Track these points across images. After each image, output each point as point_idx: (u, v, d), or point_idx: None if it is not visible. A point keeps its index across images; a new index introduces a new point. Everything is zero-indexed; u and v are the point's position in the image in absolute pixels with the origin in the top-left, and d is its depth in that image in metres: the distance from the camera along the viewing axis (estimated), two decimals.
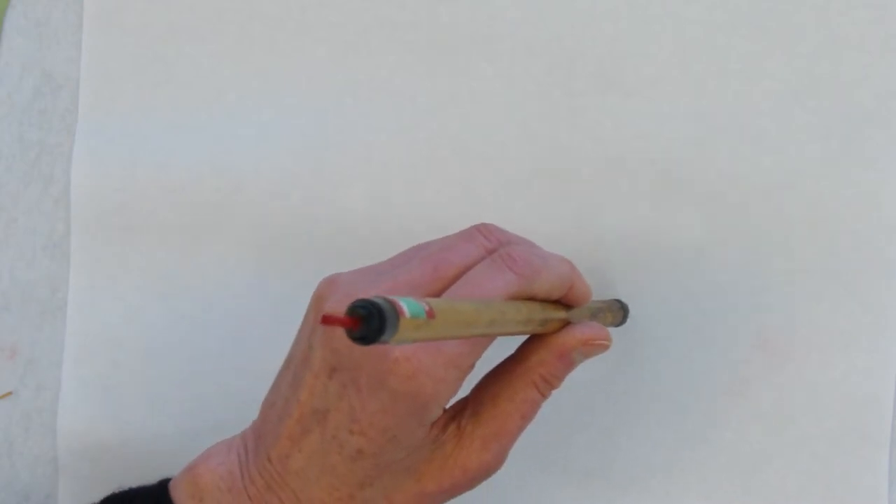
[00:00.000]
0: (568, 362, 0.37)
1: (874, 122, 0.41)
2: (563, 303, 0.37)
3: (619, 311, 0.43)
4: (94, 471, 0.49)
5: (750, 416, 0.42)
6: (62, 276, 0.50)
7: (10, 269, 0.50)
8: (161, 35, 0.49)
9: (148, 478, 0.40)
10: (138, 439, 0.48)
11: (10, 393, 0.50)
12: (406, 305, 0.25)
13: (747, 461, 0.42)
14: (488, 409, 0.36)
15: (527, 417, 0.36)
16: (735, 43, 0.43)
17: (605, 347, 0.37)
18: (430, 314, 0.26)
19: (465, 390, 0.37)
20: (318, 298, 0.36)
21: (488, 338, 0.35)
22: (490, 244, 0.36)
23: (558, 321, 0.37)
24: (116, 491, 0.40)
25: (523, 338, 0.37)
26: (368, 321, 0.24)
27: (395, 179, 0.46)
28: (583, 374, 0.44)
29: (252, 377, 0.41)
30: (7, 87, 0.50)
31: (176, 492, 0.38)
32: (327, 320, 0.24)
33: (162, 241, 0.48)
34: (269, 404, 0.37)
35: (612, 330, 0.38)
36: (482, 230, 0.37)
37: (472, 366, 0.35)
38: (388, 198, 0.46)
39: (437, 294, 0.35)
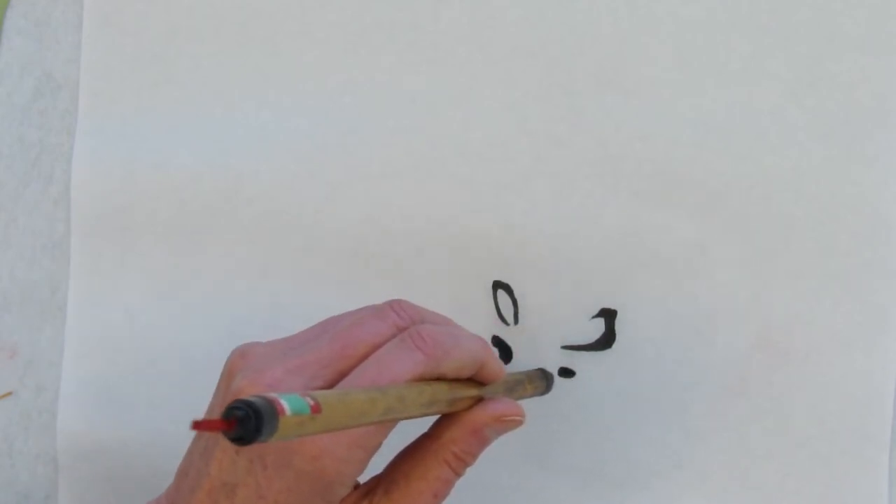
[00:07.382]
0: (481, 439, 0.36)
1: (874, 122, 0.41)
2: (475, 380, 0.37)
3: (541, 381, 0.43)
4: (94, 471, 0.49)
5: (750, 416, 0.42)
6: (62, 276, 0.50)
7: (10, 269, 0.50)
8: (161, 35, 0.49)
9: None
10: (138, 439, 0.48)
11: (10, 393, 0.50)
12: (287, 403, 0.25)
13: (747, 461, 0.42)
14: (401, 486, 0.36)
15: (439, 496, 0.36)
16: (735, 43, 0.42)
17: (518, 423, 0.37)
18: (316, 409, 0.26)
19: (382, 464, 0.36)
20: (229, 373, 0.36)
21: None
22: (402, 321, 0.36)
23: (469, 399, 0.36)
24: None
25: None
26: (245, 423, 0.24)
27: (395, 179, 0.46)
28: (583, 374, 0.44)
29: None
30: (7, 87, 0.50)
31: None
32: (199, 426, 0.24)
33: (162, 241, 0.48)
34: (182, 473, 0.37)
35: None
36: (395, 307, 0.37)
37: (378, 445, 0.35)
38: (387, 197, 0.46)
39: (346, 372, 0.34)
